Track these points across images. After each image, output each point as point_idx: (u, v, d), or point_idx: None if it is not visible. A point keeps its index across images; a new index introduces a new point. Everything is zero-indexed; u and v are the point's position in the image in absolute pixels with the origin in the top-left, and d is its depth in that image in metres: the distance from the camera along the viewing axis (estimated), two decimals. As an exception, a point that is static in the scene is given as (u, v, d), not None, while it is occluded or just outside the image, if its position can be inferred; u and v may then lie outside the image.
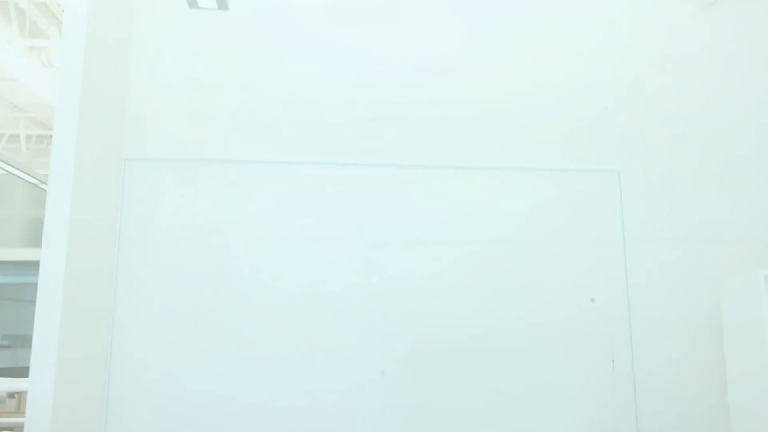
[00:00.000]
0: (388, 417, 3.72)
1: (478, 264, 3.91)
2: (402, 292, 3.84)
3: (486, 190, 4.00)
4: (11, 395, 6.76)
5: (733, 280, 3.54)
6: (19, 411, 6.59)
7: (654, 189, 4.10)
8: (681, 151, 4.17)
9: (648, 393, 3.86)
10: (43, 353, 3.15)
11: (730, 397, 3.56)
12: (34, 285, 3.18)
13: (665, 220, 4.07)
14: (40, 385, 3.12)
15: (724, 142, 4.21)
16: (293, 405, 3.68)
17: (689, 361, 3.91)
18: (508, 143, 4.08)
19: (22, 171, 7.47)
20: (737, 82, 4.29)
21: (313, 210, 3.89)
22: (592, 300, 3.91)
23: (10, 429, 6.21)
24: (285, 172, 3.92)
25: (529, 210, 4.00)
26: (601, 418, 3.80)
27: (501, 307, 3.88)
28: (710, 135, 4.21)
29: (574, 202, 4.03)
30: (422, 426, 3.73)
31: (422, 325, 3.82)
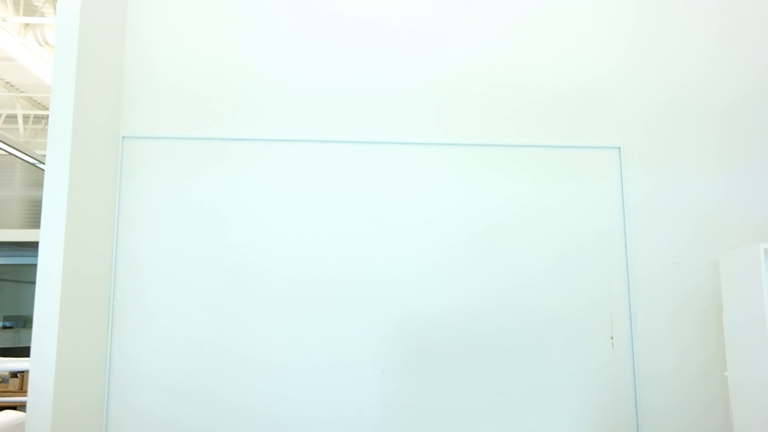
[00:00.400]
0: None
1: (479, 251, 3.88)
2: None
3: (488, 168, 3.98)
4: (14, 374, 6.83)
5: (733, 254, 3.54)
6: (22, 390, 6.66)
7: (656, 165, 4.08)
8: (682, 127, 4.15)
9: (647, 369, 3.87)
10: (43, 333, 3.16)
11: (729, 372, 3.58)
12: (35, 266, 3.19)
13: (666, 196, 4.06)
14: (41, 364, 3.14)
15: (725, 117, 4.19)
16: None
17: (689, 335, 3.93)
18: (509, 120, 4.05)
19: (20, 151, 7.45)
20: (738, 58, 4.26)
21: (314, 187, 3.87)
22: (591, 280, 3.92)
23: (14, 407, 6.27)
24: (285, 150, 3.90)
25: (530, 186, 3.98)
26: (602, 400, 3.82)
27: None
28: (711, 111, 4.19)
29: (574, 179, 4.01)
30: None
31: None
